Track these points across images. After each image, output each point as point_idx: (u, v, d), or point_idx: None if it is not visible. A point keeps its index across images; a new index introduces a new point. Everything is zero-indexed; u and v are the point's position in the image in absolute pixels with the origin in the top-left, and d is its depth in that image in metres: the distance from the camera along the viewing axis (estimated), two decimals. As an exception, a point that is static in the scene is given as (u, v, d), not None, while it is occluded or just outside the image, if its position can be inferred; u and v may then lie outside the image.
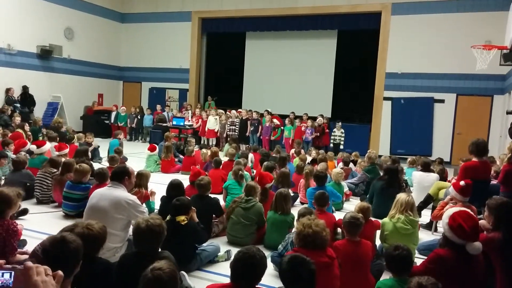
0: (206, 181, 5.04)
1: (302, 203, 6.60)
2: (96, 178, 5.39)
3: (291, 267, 2.45)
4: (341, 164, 8.76)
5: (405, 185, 7.00)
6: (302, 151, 10.26)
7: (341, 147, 12.83)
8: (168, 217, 4.04)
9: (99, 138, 13.03)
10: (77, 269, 2.35)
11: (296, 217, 5.28)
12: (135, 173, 4.68)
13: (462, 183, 4.63)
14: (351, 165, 8.84)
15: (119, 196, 3.92)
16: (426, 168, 7.01)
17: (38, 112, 14.00)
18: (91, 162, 7.48)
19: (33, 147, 7.40)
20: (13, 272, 1.15)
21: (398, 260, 2.87)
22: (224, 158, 8.62)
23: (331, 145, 13.01)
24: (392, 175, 6.37)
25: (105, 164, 8.62)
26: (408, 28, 13.44)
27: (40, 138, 9.71)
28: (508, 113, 10.18)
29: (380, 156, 10.53)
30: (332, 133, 13.14)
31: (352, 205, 6.20)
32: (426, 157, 8.46)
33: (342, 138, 12.99)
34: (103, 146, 10.45)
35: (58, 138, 9.04)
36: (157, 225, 2.93)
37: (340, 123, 13.17)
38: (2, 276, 1.14)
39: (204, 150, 9.00)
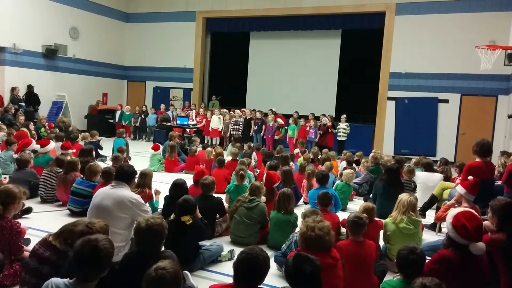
0: (210, 180, 5.04)
1: (305, 203, 6.59)
2: (102, 177, 5.40)
3: (296, 263, 2.46)
4: (344, 163, 8.59)
5: (414, 186, 6.91)
6: (306, 150, 10.24)
7: (345, 139, 12.83)
8: (172, 216, 4.04)
9: (104, 137, 13.05)
10: (103, 273, 2.37)
11: (299, 217, 5.28)
12: (138, 172, 4.68)
13: (470, 177, 4.59)
14: (354, 165, 8.77)
15: (123, 195, 3.94)
16: (428, 168, 6.99)
17: (43, 111, 14.08)
18: (96, 161, 7.48)
19: (37, 147, 7.43)
20: None
21: (413, 265, 2.82)
22: (228, 158, 8.62)
23: (337, 138, 12.96)
24: (392, 175, 6.34)
25: (108, 163, 8.61)
26: (412, 28, 13.39)
27: (44, 134, 9.70)
28: (510, 116, 10.09)
29: (393, 157, 10.35)
30: (337, 127, 13.11)
31: (356, 205, 6.20)
32: (427, 158, 8.41)
33: (347, 132, 12.92)
34: (107, 145, 10.45)
35: (64, 138, 9.03)
36: (158, 224, 2.92)
37: (345, 116, 13.13)
38: None
39: (209, 149, 8.99)
